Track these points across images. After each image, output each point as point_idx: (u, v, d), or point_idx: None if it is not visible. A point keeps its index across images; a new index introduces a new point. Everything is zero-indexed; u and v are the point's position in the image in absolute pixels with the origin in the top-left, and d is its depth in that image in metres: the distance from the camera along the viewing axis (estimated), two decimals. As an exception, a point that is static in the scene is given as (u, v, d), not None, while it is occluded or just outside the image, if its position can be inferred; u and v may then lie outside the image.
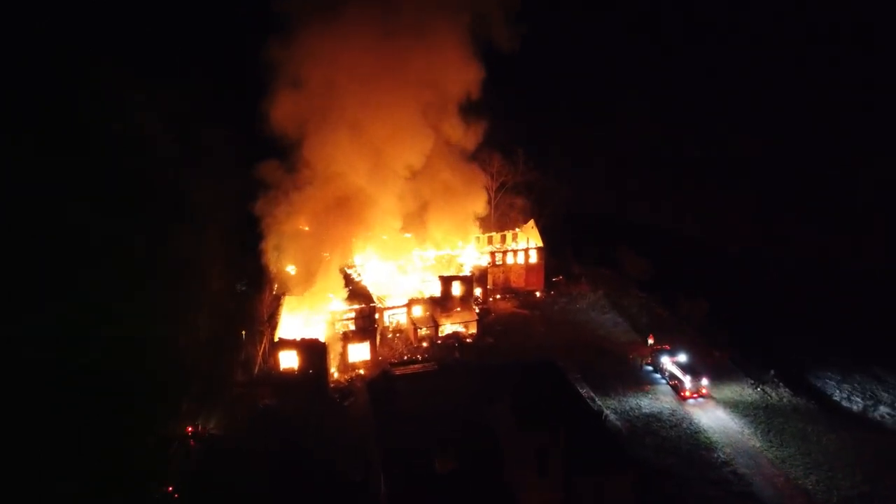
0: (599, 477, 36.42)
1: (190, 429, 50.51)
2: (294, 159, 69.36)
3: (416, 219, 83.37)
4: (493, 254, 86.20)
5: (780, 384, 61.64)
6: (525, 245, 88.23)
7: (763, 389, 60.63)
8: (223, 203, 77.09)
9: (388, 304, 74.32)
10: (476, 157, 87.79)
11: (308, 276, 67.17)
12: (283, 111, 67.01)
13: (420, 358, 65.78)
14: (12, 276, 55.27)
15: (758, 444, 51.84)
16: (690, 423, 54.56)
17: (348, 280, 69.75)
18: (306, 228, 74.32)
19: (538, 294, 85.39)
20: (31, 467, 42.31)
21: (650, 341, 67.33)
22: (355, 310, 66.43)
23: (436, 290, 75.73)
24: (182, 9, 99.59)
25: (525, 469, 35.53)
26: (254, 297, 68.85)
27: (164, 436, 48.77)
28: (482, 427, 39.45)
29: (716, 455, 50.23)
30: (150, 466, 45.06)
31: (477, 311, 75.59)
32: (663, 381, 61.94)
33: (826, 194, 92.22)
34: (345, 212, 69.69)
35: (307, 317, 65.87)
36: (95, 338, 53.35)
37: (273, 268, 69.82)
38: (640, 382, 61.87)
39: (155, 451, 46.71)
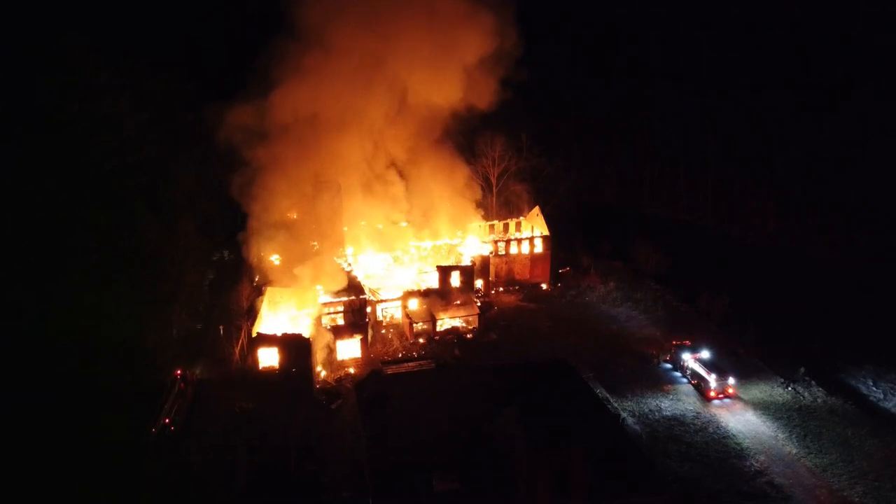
0: (633, 499, 30.91)
1: (179, 372, 51.70)
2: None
3: (412, 206, 78.46)
4: (495, 243, 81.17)
5: (813, 383, 56.65)
6: (530, 234, 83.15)
7: (794, 389, 55.60)
8: (201, 190, 71.70)
9: (381, 296, 69.49)
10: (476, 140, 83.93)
11: (293, 266, 62.08)
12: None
13: (416, 355, 60.84)
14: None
15: (794, 451, 46.91)
16: (717, 427, 49.85)
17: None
18: (294, 216, 69.70)
19: (544, 286, 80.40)
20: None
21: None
22: (345, 302, 61.84)
23: (434, 282, 71.11)
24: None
25: (540, 490, 29.99)
26: (231, 288, 63.81)
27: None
28: (487, 439, 34.08)
29: (748, 463, 45.47)
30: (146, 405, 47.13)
31: (478, 304, 70.76)
32: (685, 380, 56.84)
33: (857, 186, 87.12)
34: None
35: (290, 310, 60.89)
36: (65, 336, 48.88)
37: (254, 257, 64.61)
38: (660, 382, 56.80)
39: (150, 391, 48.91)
